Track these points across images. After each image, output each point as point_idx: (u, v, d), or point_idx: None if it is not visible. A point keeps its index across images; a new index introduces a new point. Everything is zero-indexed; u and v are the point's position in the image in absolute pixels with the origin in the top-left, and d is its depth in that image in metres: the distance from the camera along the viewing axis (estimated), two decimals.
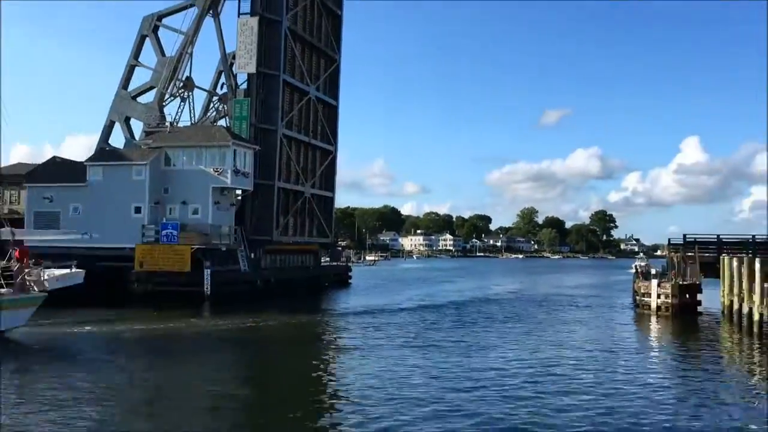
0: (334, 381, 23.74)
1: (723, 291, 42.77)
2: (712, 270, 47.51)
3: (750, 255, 42.21)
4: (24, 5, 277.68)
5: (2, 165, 66.12)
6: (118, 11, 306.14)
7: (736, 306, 38.16)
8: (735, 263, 38.84)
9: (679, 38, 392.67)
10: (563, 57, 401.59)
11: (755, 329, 33.52)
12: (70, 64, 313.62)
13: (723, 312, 42.87)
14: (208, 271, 49.08)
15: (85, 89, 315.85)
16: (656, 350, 32.65)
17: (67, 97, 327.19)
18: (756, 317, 33.58)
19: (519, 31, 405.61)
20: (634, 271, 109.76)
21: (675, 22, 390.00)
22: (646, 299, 47.46)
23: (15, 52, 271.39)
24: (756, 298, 33.66)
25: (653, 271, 51.69)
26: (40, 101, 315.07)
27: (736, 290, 38.23)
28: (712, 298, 46.20)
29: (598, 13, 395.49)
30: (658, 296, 45.63)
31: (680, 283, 45.54)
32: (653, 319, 44.09)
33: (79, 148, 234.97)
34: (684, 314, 43.63)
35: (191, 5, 63.45)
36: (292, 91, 65.50)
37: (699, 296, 45.61)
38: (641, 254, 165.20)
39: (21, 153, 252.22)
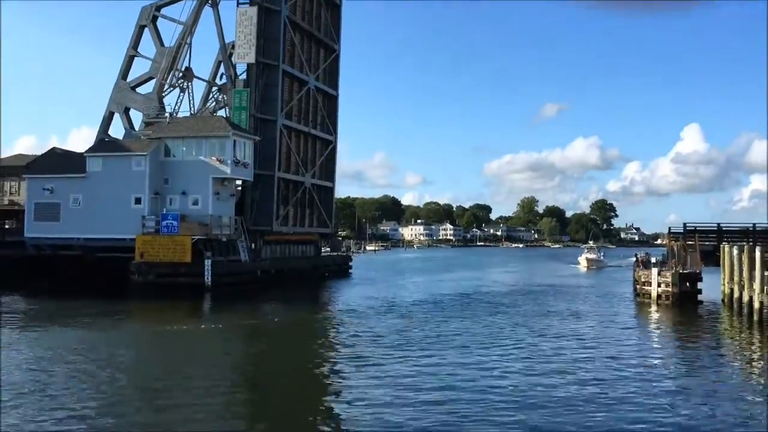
0: (338, 382, 22.93)
1: (723, 279, 42.83)
2: (712, 258, 47.57)
3: (750, 243, 42.21)
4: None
5: (3, 156, 66.20)
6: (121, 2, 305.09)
7: (736, 294, 38.22)
8: (735, 251, 38.86)
9: (678, 27, 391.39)
10: (562, 49, 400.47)
11: (755, 317, 33.58)
12: (77, 56, 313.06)
13: (723, 300, 42.94)
14: (209, 261, 49.14)
15: (91, 81, 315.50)
16: (656, 340, 32.63)
17: (75, 89, 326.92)
18: (756, 305, 33.62)
19: (517, 25, 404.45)
20: (580, 265, 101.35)
21: (674, 11, 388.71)
22: (646, 288, 47.38)
23: (26, 43, 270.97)
24: (756, 286, 33.68)
25: (653, 260, 51.37)
26: (49, 93, 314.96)
27: (736, 278, 38.29)
28: (712, 287, 46.11)
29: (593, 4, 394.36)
30: (659, 285, 45.57)
31: (680, 271, 45.47)
32: (653, 308, 44.08)
33: (83, 140, 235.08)
34: (684, 303, 43.57)
35: None
36: (292, 81, 65.38)
37: (699, 285, 45.47)
38: (590, 242, 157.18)
39: (27, 144, 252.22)
